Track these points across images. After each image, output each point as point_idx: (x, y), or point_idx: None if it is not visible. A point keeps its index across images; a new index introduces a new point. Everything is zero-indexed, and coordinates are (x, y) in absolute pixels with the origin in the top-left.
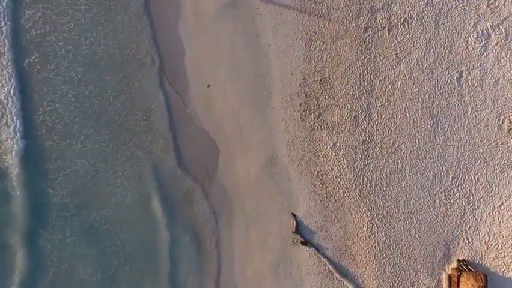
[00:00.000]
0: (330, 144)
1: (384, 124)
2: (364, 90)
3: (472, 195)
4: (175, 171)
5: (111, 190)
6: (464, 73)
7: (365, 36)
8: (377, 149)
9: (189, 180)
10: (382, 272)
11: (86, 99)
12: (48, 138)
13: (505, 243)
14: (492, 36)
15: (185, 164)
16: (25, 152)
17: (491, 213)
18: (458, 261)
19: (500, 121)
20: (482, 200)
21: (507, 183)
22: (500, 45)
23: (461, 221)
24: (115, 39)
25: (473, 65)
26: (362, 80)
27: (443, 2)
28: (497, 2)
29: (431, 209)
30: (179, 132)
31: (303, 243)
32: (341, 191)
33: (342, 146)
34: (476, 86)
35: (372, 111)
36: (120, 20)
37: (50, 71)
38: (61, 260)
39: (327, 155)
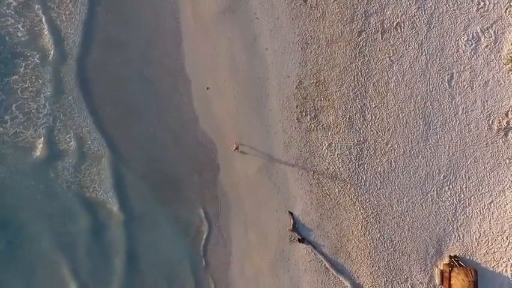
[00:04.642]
0: (326, 145)
1: (378, 125)
2: (358, 92)
3: (463, 193)
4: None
5: None
6: (455, 75)
7: (359, 39)
8: (371, 149)
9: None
10: (376, 268)
11: None
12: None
13: (495, 240)
14: (482, 39)
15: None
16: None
17: (481, 211)
18: (450, 257)
19: (490, 121)
20: (473, 197)
21: (497, 181)
22: (490, 48)
23: (453, 218)
24: None
25: (463, 67)
26: (356, 82)
27: (434, 7)
28: (486, 7)
29: (424, 207)
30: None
31: (300, 241)
32: (337, 189)
33: (338, 146)
34: (467, 87)
35: (366, 112)
36: None
37: None
38: None
39: (323, 155)
